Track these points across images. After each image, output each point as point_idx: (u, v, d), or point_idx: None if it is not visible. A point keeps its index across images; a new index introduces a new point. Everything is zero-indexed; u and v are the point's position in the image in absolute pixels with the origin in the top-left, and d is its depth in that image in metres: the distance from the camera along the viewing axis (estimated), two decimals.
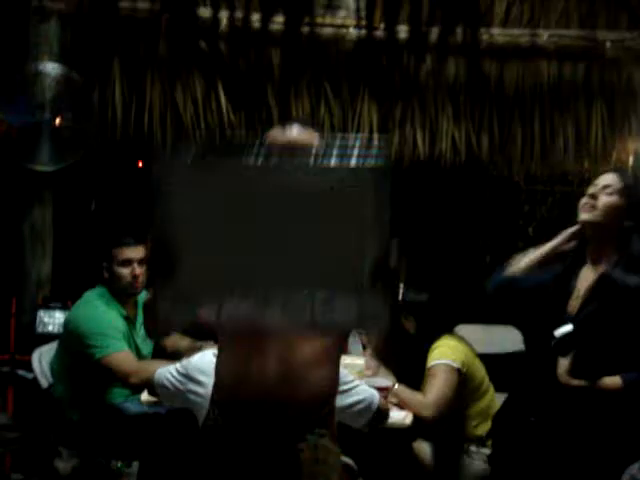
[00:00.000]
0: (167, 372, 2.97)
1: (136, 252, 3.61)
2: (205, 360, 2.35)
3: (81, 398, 3.61)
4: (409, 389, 3.33)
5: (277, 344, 2.04)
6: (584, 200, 2.76)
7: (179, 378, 2.87)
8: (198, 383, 2.55)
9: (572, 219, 5.72)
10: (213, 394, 2.24)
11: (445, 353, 3.34)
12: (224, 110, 4.69)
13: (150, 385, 3.11)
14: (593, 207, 2.69)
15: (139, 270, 3.60)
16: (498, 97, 4.87)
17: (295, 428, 2.12)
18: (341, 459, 2.37)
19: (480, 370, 3.46)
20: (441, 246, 5.90)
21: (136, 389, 3.47)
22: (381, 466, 3.36)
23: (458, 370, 3.30)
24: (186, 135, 4.73)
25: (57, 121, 4.45)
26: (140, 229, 3.92)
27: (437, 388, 3.27)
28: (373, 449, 3.29)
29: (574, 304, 2.70)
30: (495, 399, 3.51)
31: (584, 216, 2.74)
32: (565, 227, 5.71)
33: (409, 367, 3.35)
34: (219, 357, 2.21)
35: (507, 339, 4.63)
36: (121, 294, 3.63)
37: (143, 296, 3.75)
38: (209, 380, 2.29)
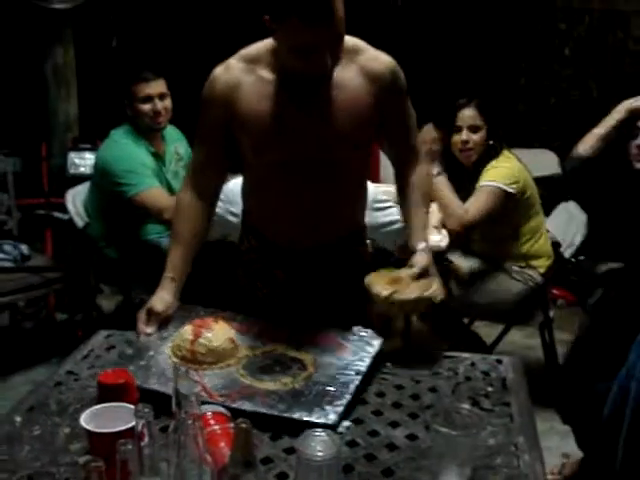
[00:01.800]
0: None
1: (155, 87, 3.51)
2: (238, 183, 2.33)
3: (117, 236, 3.63)
4: (450, 187, 3.31)
5: (307, 173, 2.02)
6: (634, 151, 2.68)
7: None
8: (235, 204, 2.55)
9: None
10: (243, 220, 2.27)
11: (499, 174, 3.27)
12: None
13: None
14: None
15: (160, 105, 3.51)
16: None
17: (329, 244, 2.15)
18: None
19: (533, 189, 3.39)
20: (472, 68, 5.72)
21: (170, 224, 3.47)
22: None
23: (508, 193, 3.23)
24: None
25: None
26: (159, 62, 3.83)
27: (479, 203, 3.24)
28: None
29: None
30: (544, 220, 3.48)
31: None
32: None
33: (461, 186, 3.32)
34: (246, 186, 2.21)
35: (543, 162, 4.56)
36: (146, 130, 3.57)
37: (170, 130, 3.70)
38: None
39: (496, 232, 3.35)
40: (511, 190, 3.24)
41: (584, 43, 5.68)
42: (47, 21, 4.49)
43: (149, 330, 1.95)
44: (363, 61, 1.99)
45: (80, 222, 3.73)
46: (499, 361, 1.97)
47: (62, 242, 4.52)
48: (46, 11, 4.40)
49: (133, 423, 1.33)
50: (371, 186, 2.31)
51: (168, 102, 3.55)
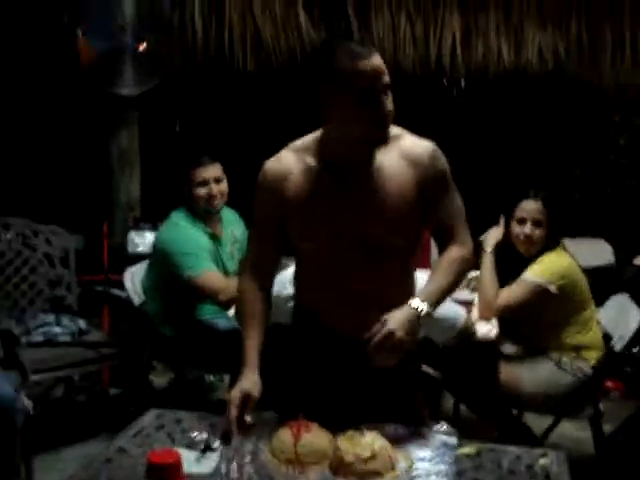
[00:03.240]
0: None
1: (212, 171, 3.64)
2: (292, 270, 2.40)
3: (172, 314, 3.72)
4: (493, 270, 3.35)
5: (352, 258, 2.07)
6: None
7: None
8: (288, 289, 2.61)
9: None
10: (295, 304, 2.31)
11: (545, 270, 3.29)
12: (303, 27, 4.65)
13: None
14: None
15: (216, 188, 3.63)
16: (586, 0, 4.68)
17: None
18: (425, 370, 2.40)
19: (582, 286, 3.39)
20: (529, 159, 5.78)
21: (225, 305, 3.56)
22: (465, 379, 3.38)
23: (548, 291, 3.24)
24: (266, 54, 4.72)
25: (139, 45, 4.48)
26: (216, 147, 3.96)
27: (514, 294, 3.26)
28: (458, 362, 3.31)
29: None
30: (595, 311, 3.47)
31: None
32: None
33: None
34: (297, 270, 2.26)
35: (596, 252, 4.55)
36: (202, 213, 3.68)
37: (227, 213, 3.81)
38: None
39: (542, 321, 3.35)
40: (552, 288, 3.25)
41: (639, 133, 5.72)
42: (114, 105, 4.69)
43: (248, 419, 1.96)
44: (402, 146, 2.07)
45: (137, 300, 3.83)
46: (544, 454, 1.96)
47: (119, 319, 4.63)
48: (113, 96, 4.59)
49: None
50: (424, 275, 2.33)
51: (224, 186, 3.67)
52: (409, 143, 2.08)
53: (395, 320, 1.92)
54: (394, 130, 2.08)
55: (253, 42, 4.68)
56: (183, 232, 3.61)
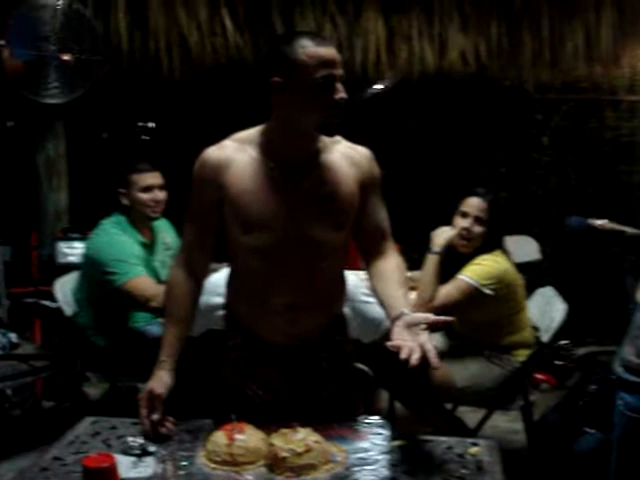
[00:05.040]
0: None
1: (156, 178, 3.65)
2: (224, 276, 2.39)
3: (105, 324, 3.69)
4: (436, 269, 3.35)
5: (287, 255, 2.08)
6: None
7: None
8: (221, 296, 2.59)
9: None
10: (227, 314, 2.30)
11: (480, 272, 3.35)
12: (229, 33, 4.67)
13: None
14: None
15: (160, 195, 3.64)
16: (506, 4, 4.80)
17: (312, 337, 2.18)
18: (356, 366, 2.44)
19: (517, 288, 3.46)
20: (454, 160, 5.89)
21: (158, 312, 3.55)
22: (399, 376, 3.43)
23: (482, 292, 3.30)
24: (192, 60, 4.72)
25: (64, 53, 4.45)
26: (154, 155, 3.96)
27: (449, 293, 3.29)
28: (391, 359, 3.35)
29: None
30: (527, 312, 3.56)
31: None
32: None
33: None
34: (232, 274, 2.26)
35: (524, 249, 4.67)
36: (140, 220, 3.67)
37: (158, 221, 3.80)
38: None
39: (475, 320, 3.42)
40: (486, 291, 3.30)
41: (561, 132, 5.88)
42: (40, 114, 4.64)
43: (155, 417, 1.99)
44: (343, 148, 2.12)
45: (68, 310, 3.78)
46: (474, 444, 2.01)
47: (50, 330, 4.57)
48: (39, 105, 4.54)
49: None
50: (354, 276, 2.36)
51: (165, 194, 3.67)
52: (348, 146, 2.14)
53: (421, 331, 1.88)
54: None
55: (178, 48, 4.68)
56: (114, 239, 3.59)
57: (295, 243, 2.06)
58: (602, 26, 4.81)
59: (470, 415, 3.80)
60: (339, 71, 1.97)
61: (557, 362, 4.84)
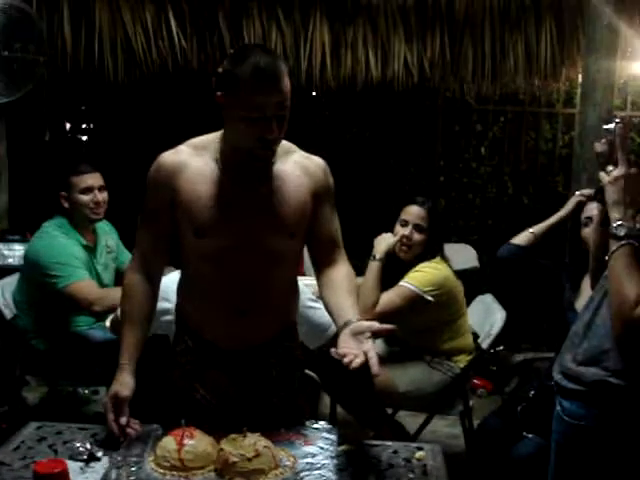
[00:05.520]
0: None
1: (95, 179, 3.61)
2: (173, 279, 2.39)
3: (46, 327, 3.64)
4: (378, 276, 3.39)
5: (240, 262, 2.09)
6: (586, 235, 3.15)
7: None
8: (168, 301, 2.59)
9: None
10: (178, 318, 2.31)
11: (421, 279, 3.40)
12: (175, 37, 4.66)
13: (115, 323, 3.14)
14: None
15: (100, 197, 3.61)
16: (449, 17, 4.90)
17: (263, 343, 2.20)
18: (305, 372, 2.47)
19: (457, 296, 3.52)
20: (394, 168, 5.98)
21: (100, 316, 3.53)
22: (341, 381, 3.47)
23: (424, 299, 3.36)
24: (137, 64, 4.70)
25: (7, 52, 4.38)
26: (97, 158, 3.93)
27: (390, 300, 3.33)
28: (334, 364, 3.39)
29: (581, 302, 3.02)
30: (467, 319, 3.63)
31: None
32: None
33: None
34: (181, 277, 2.27)
35: (462, 256, 4.75)
36: (82, 222, 3.63)
37: (101, 224, 3.77)
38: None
39: (416, 326, 3.48)
40: (428, 297, 3.37)
41: (499, 143, 6.00)
42: None
43: (123, 420, 2.00)
44: (298, 158, 2.15)
45: (8, 313, 3.72)
46: (420, 448, 2.06)
47: None
48: None
49: None
50: (299, 282, 2.38)
51: (106, 194, 3.64)
52: (304, 156, 2.16)
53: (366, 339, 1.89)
54: (287, 144, 2.14)
55: (123, 52, 4.65)
56: (56, 242, 3.55)
57: (246, 250, 2.08)
58: (541, 41, 4.95)
59: (408, 420, 3.86)
60: (276, 106, 1.93)
61: (493, 368, 4.95)
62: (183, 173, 2.08)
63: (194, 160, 2.09)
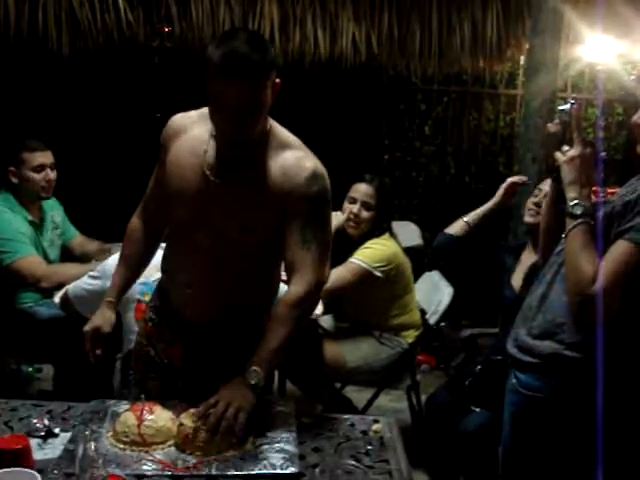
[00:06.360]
0: (81, 283, 3.02)
1: (47, 157, 3.59)
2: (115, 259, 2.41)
3: None
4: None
5: (191, 237, 2.11)
6: (529, 205, 3.27)
7: (96, 282, 2.92)
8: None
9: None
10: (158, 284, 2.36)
11: (370, 255, 3.45)
12: (121, 9, 4.58)
13: (64, 300, 3.14)
14: (537, 213, 3.12)
15: (52, 175, 3.58)
16: None
17: (217, 319, 2.21)
18: None
19: (405, 272, 3.57)
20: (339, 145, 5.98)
21: (46, 293, 3.49)
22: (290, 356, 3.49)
23: (373, 275, 3.40)
24: (82, 36, 4.61)
25: None
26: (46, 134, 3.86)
27: (341, 275, 3.37)
28: None
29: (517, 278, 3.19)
30: (415, 295, 3.69)
31: (528, 219, 3.26)
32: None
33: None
34: (166, 247, 2.30)
35: (407, 234, 4.81)
36: (29, 198, 3.59)
37: (50, 202, 3.73)
38: None
39: (365, 302, 3.53)
40: (377, 273, 3.42)
41: (442, 122, 6.06)
42: None
43: (98, 352, 2.16)
44: (288, 156, 2.04)
45: None
46: (376, 421, 2.10)
47: None
48: None
49: None
50: None
51: (55, 173, 3.62)
52: (295, 157, 2.05)
53: (225, 398, 1.88)
54: (289, 139, 2.07)
55: (68, 23, 4.56)
56: (1, 217, 3.50)
57: (200, 227, 2.09)
58: (488, 21, 5.01)
59: (354, 395, 3.91)
60: (237, 102, 1.87)
61: (435, 344, 5.03)
62: (180, 137, 2.12)
63: (195, 127, 2.11)
